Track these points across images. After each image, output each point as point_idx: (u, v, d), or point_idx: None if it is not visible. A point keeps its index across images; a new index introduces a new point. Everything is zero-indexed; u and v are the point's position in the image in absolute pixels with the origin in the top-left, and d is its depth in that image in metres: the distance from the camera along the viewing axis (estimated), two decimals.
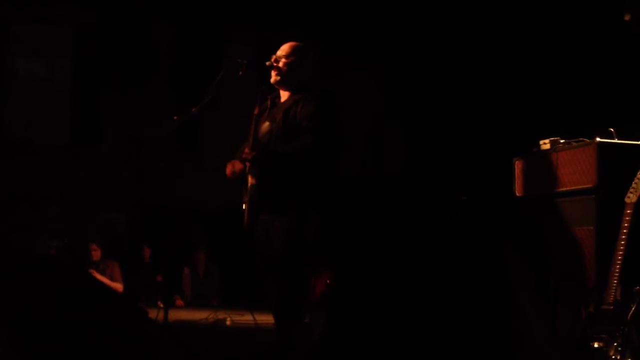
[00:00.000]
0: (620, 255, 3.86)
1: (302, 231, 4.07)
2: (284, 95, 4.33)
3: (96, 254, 8.25)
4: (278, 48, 4.32)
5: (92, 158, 9.99)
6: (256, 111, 4.27)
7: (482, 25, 8.71)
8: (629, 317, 3.72)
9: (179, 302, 8.90)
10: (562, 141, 4.84)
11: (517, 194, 5.18)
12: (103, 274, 8.03)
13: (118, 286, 8.05)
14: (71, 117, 10.34)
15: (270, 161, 4.11)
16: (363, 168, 10.28)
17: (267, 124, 4.26)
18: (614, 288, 3.83)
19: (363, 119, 10.28)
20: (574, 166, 4.63)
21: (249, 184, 4.12)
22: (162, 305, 5.30)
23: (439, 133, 9.58)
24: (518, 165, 5.20)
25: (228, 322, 6.82)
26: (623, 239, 3.88)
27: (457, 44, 9.24)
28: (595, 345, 3.77)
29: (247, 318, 6.78)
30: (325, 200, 4.17)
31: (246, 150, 4.13)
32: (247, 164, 4.11)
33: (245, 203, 4.18)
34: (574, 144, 4.71)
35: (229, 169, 4.28)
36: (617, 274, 3.83)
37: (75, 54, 10.32)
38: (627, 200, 3.97)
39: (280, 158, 4.10)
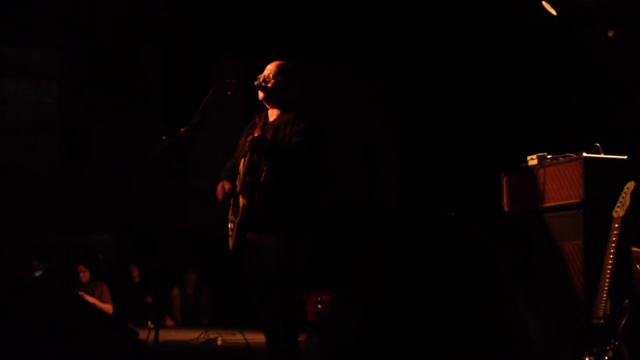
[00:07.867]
0: (609, 269, 3.88)
1: (294, 249, 4.06)
2: (273, 113, 4.33)
3: (85, 276, 8.19)
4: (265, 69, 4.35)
5: (81, 180, 9.95)
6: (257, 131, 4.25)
7: (469, 46, 8.77)
8: (619, 331, 3.74)
9: (169, 322, 8.83)
10: (549, 157, 4.87)
11: (506, 209, 5.21)
12: (92, 295, 7.97)
13: (108, 307, 7.99)
14: (59, 142, 10.30)
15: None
16: (356, 198, 10.26)
17: None
18: (603, 302, 3.85)
19: (356, 149, 10.29)
20: (561, 181, 4.67)
21: (241, 205, 4.11)
22: (152, 326, 5.27)
23: (428, 152, 9.62)
24: (506, 181, 5.23)
25: (219, 342, 6.76)
26: (611, 253, 3.91)
27: (445, 65, 9.30)
28: (587, 359, 3.78)
29: (238, 337, 6.74)
30: (316, 219, 4.18)
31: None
32: (238, 184, 4.12)
33: (232, 225, 4.18)
34: (561, 159, 4.75)
35: (219, 190, 4.26)
36: (606, 288, 3.85)
37: (63, 79, 10.30)
38: (614, 214, 4.00)
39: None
